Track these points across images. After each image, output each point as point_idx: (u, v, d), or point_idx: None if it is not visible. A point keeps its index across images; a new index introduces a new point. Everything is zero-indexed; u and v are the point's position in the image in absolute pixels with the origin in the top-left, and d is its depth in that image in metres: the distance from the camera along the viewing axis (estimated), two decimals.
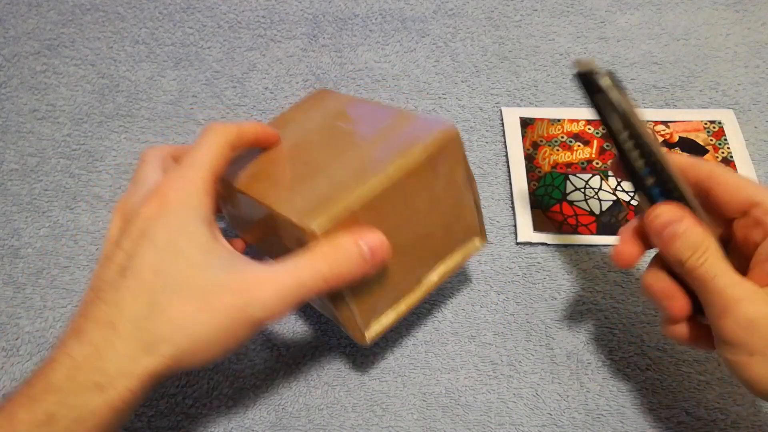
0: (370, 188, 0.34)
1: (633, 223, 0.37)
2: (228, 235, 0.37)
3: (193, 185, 0.33)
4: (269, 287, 0.31)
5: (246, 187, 0.39)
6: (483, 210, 0.44)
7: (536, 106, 0.59)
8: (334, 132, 0.41)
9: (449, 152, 0.37)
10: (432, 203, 0.38)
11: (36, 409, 0.28)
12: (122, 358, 0.29)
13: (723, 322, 0.32)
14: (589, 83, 0.34)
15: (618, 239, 0.37)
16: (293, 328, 0.47)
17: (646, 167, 0.35)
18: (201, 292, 0.30)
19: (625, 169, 0.36)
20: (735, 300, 0.32)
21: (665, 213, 0.34)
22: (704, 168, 0.36)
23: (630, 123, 0.34)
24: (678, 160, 0.36)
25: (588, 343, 0.46)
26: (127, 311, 0.30)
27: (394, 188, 0.35)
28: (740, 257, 0.35)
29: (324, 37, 0.64)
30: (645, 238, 0.36)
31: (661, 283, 0.36)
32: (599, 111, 0.35)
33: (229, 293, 0.31)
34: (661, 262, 0.37)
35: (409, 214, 0.37)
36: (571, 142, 0.56)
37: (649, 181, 0.35)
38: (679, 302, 0.35)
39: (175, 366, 0.30)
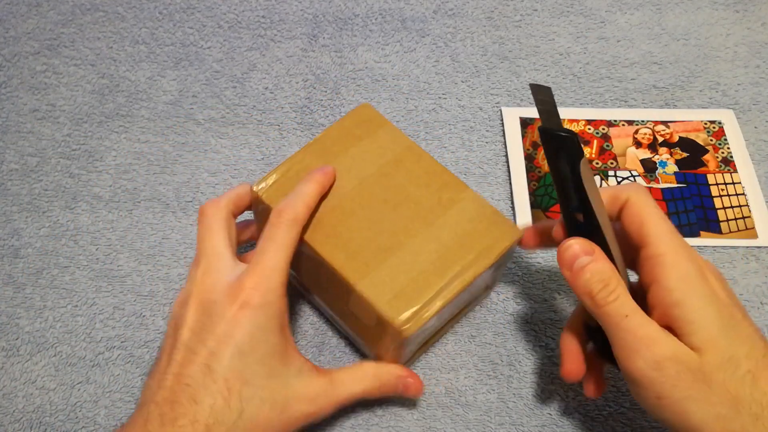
0: (451, 291, 0.38)
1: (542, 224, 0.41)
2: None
3: (273, 292, 0.36)
4: (332, 399, 0.38)
5: (316, 242, 0.40)
6: None
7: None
8: (399, 192, 0.42)
9: (512, 250, 0.41)
10: (479, 286, 0.43)
11: None
12: None
13: (632, 362, 0.33)
14: (555, 139, 0.35)
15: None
16: (293, 328, 0.47)
17: (585, 220, 0.36)
18: (282, 404, 0.36)
19: (563, 214, 0.37)
20: (645, 341, 0.32)
21: (576, 245, 0.35)
22: (623, 195, 0.36)
23: (580, 187, 0.35)
24: (604, 194, 0.37)
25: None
26: (220, 416, 0.33)
27: (466, 286, 0.39)
28: (641, 297, 0.35)
29: (324, 37, 0.64)
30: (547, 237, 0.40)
31: (568, 344, 0.39)
32: (556, 161, 0.35)
33: (302, 403, 0.37)
34: (573, 324, 0.40)
35: (464, 295, 0.40)
36: None
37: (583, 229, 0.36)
38: (572, 366, 0.39)
39: None
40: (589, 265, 0.34)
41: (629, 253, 0.37)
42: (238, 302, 0.35)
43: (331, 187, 0.41)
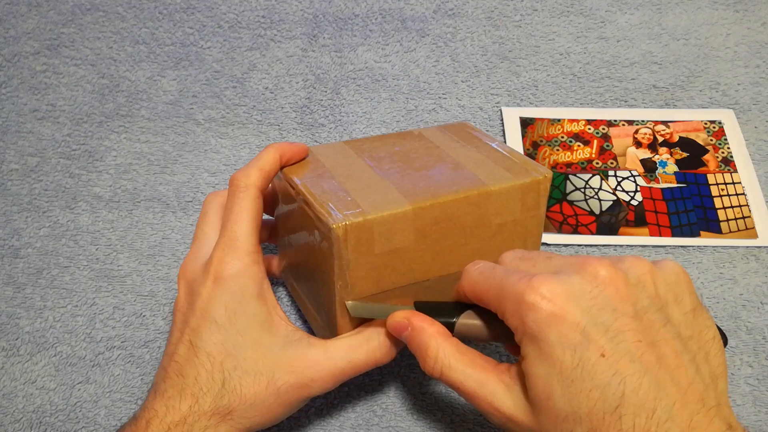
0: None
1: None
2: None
3: (241, 261, 0.36)
4: (326, 370, 0.35)
5: (292, 172, 0.39)
6: None
7: (536, 106, 0.59)
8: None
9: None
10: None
11: None
12: (205, 426, 0.34)
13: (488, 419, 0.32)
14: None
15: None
16: None
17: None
18: (267, 375, 0.35)
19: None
20: (484, 404, 0.31)
21: (396, 320, 0.35)
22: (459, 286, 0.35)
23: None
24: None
25: None
26: (204, 386, 0.34)
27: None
28: None
29: (324, 37, 0.64)
30: None
31: None
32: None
33: (291, 374, 0.35)
34: None
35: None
36: (571, 142, 0.56)
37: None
38: None
39: (247, 430, 0.35)
40: (408, 338, 0.35)
41: None
42: (210, 277, 0.35)
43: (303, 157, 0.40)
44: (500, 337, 0.34)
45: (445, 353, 0.33)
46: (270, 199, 0.43)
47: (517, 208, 0.39)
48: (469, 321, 0.35)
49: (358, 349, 0.36)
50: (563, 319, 0.28)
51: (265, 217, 0.46)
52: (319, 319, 0.41)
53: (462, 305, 0.35)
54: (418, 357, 0.34)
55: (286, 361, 0.35)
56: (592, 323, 0.28)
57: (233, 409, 0.34)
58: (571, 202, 0.53)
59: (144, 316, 0.47)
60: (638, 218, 0.52)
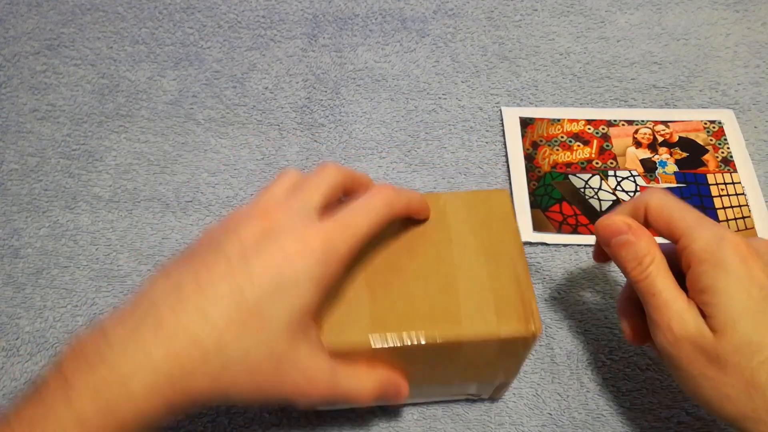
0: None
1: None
2: None
3: (336, 252, 0.32)
4: (324, 388, 0.33)
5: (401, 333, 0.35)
6: None
7: (536, 106, 0.59)
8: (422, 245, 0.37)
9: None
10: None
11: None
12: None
13: (656, 336, 0.35)
14: None
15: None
16: None
17: None
18: (277, 360, 0.31)
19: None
20: (667, 319, 0.34)
21: (615, 223, 0.37)
22: (641, 205, 0.37)
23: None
24: (625, 209, 0.38)
25: (588, 343, 0.46)
26: (215, 334, 0.30)
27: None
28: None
29: (324, 37, 0.64)
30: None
31: (623, 305, 0.40)
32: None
33: (298, 374, 0.32)
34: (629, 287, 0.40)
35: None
36: (570, 141, 0.56)
37: None
38: (628, 324, 0.39)
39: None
40: (623, 243, 0.36)
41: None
42: (303, 243, 0.31)
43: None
44: None
45: (657, 263, 0.35)
46: None
47: (492, 356, 0.36)
48: None
49: (346, 385, 0.35)
50: (758, 260, 0.33)
51: None
52: None
53: None
54: (629, 261, 0.36)
55: (301, 359, 0.32)
56: None
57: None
58: (570, 202, 0.53)
59: None
60: None
